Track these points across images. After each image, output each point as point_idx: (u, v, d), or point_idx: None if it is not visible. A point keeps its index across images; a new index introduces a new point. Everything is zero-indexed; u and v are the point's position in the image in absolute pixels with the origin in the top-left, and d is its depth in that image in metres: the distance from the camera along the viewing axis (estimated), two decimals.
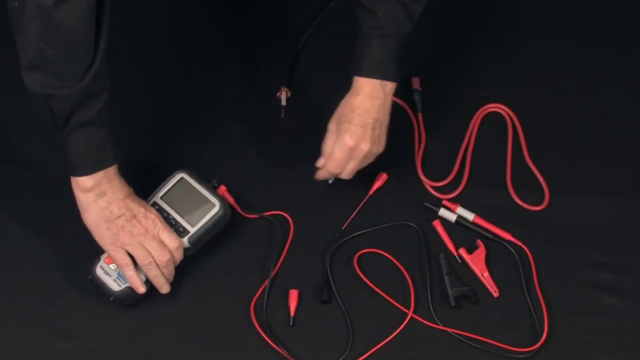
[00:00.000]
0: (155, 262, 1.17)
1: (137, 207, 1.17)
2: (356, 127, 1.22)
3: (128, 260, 1.17)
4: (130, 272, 1.17)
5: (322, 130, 1.38)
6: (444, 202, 1.30)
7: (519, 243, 1.27)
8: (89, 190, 1.15)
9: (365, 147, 1.22)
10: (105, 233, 1.16)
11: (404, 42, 1.22)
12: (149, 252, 1.17)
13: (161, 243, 1.18)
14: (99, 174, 1.14)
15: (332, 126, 1.24)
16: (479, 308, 1.23)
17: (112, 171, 1.16)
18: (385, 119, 1.24)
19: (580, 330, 1.21)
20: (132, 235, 1.16)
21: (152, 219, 1.18)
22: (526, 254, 1.27)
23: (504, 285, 1.24)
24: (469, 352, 1.20)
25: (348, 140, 1.22)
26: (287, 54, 1.45)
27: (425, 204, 1.30)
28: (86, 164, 1.14)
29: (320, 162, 1.25)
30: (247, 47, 1.47)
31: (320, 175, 1.27)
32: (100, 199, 1.15)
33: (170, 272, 1.19)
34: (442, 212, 1.29)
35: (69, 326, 1.20)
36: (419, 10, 1.21)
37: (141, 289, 1.18)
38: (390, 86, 1.23)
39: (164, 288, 1.19)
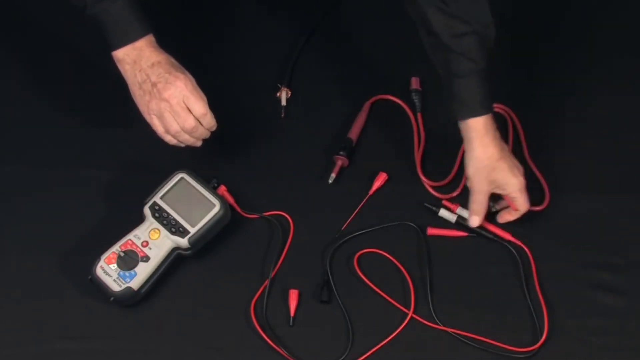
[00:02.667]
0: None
1: (163, 74, 1.19)
2: (509, 165, 1.23)
3: (162, 128, 1.21)
4: (167, 137, 1.21)
5: (322, 130, 1.38)
6: (444, 202, 1.30)
7: (519, 243, 1.27)
8: (120, 61, 1.20)
9: (523, 172, 1.25)
10: (140, 102, 1.21)
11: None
12: (174, 119, 1.19)
13: (185, 110, 1.19)
14: (127, 47, 1.19)
15: (481, 186, 1.24)
16: (479, 308, 1.23)
17: (140, 42, 1.19)
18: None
19: (580, 330, 1.21)
20: (158, 102, 1.19)
21: (176, 86, 1.18)
22: (526, 254, 1.27)
23: (504, 285, 1.25)
24: (469, 352, 1.20)
25: (517, 177, 1.23)
26: (287, 54, 1.45)
27: (425, 204, 1.30)
28: (113, 39, 1.20)
29: (475, 222, 1.26)
30: (247, 46, 1.47)
31: (509, 219, 1.28)
32: (130, 67, 1.19)
33: (200, 135, 1.22)
34: (442, 212, 1.29)
35: (69, 326, 1.20)
36: (492, 36, 1.23)
37: (197, 144, 1.23)
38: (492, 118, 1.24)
39: (196, 144, 1.24)
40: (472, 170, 1.24)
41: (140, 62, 1.19)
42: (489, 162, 1.22)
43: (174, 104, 1.18)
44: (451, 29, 1.19)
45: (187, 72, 1.21)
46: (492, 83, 1.23)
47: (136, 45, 1.19)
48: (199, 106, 1.19)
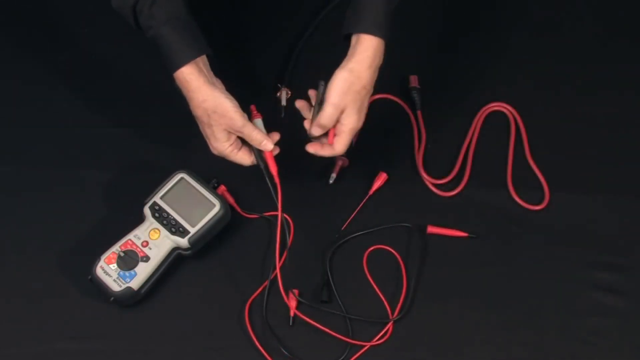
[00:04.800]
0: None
1: (205, 120, 1.18)
2: (366, 103, 1.19)
3: (231, 149, 1.20)
4: (233, 158, 1.21)
5: None
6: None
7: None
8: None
9: (362, 124, 1.21)
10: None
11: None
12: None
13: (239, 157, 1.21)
14: (176, 77, 1.17)
15: (335, 99, 1.17)
16: (479, 308, 1.23)
17: (182, 74, 1.16)
18: None
19: (580, 330, 1.21)
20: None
21: (215, 148, 1.20)
22: (526, 251, 1.27)
23: (504, 285, 1.25)
24: (468, 353, 1.19)
25: (361, 121, 1.19)
26: (287, 54, 1.45)
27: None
28: (166, 66, 1.17)
29: (317, 132, 1.20)
30: (247, 46, 1.47)
31: (319, 152, 1.22)
32: (184, 93, 1.19)
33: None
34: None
35: (69, 326, 1.20)
36: None
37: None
38: (384, 50, 1.19)
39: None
40: (341, 80, 1.16)
41: (191, 98, 1.18)
42: (360, 88, 1.17)
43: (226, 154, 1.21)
44: None
45: (228, 116, 1.17)
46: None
47: (180, 76, 1.17)
48: (247, 160, 1.22)
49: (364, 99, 1.19)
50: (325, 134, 1.22)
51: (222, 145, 1.20)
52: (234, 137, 1.20)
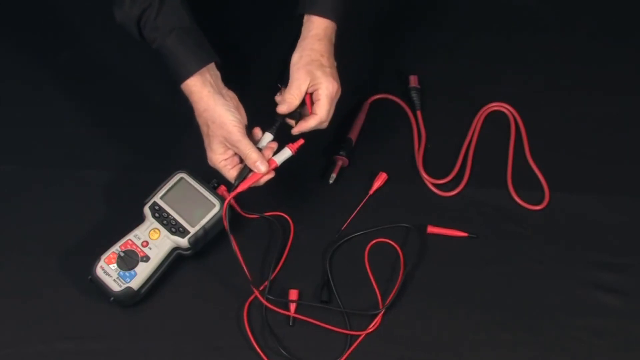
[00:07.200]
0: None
1: (205, 130, 1.18)
2: (332, 69, 1.20)
3: (225, 164, 1.19)
4: (226, 174, 1.20)
5: (321, 130, 1.38)
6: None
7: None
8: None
9: (339, 87, 1.21)
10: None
11: None
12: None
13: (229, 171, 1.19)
14: (182, 89, 1.18)
15: (301, 75, 1.19)
16: (478, 308, 1.23)
17: (187, 86, 1.17)
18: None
19: (580, 330, 1.21)
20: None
21: (210, 159, 1.19)
22: (524, 253, 1.26)
23: (503, 285, 1.25)
24: (469, 353, 1.19)
25: (335, 82, 1.19)
26: (287, 54, 1.45)
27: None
28: (172, 78, 1.18)
29: (284, 109, 1.20)
30: (246, 47, 1.47)
31: (304, 127, 1.22)
32: (192, 103, 1.19)
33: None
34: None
35: (69, 326, 1.20)
36: None
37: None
38: (335, 30, 1.23)
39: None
40: (297, 58, 1.20)
41: (192, 103, 1.18)
42: (316, 57, 1.19)
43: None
44: None
45: (225, 128, 1.16)
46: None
47: (186, 88, 1.17)
48: (232, 176, 1.19)
49: (329, 64, 1.19)
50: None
51: (217, 157, 1.19)
52: (230, 153, 1.19)
